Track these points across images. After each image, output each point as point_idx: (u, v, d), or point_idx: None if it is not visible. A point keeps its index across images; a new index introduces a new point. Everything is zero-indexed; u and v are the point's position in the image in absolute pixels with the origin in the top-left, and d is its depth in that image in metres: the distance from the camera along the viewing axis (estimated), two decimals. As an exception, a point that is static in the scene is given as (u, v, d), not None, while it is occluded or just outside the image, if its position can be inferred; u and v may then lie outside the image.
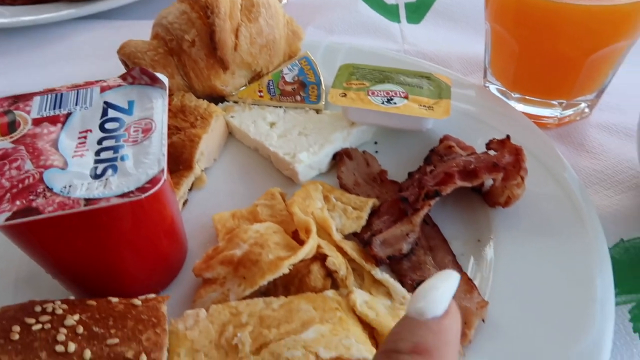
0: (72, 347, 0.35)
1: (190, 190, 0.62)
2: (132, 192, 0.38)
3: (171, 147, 0.60)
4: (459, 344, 0.31)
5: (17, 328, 0.36)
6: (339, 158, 0.63)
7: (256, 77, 0.72)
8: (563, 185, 0.57)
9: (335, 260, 0.51)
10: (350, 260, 0.52)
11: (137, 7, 0.99)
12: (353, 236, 0.56)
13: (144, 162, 0.41)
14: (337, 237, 0.53)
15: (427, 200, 0.54)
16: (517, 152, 0.55)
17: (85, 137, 0.44)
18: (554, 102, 0.70)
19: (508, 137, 0.57)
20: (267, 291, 0.51)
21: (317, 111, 0.69)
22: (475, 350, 0.45)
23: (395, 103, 0.63)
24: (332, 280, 0.51)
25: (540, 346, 0.44)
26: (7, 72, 0.87)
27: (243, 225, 0.56)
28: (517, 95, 0.72)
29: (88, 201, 0.38)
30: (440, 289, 0.31)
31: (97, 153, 0.42)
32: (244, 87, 0.71)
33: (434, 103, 0.63)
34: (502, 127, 0.65)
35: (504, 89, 0.73)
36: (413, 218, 0.53)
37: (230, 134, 0.70)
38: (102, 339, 0.36)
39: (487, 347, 0.45)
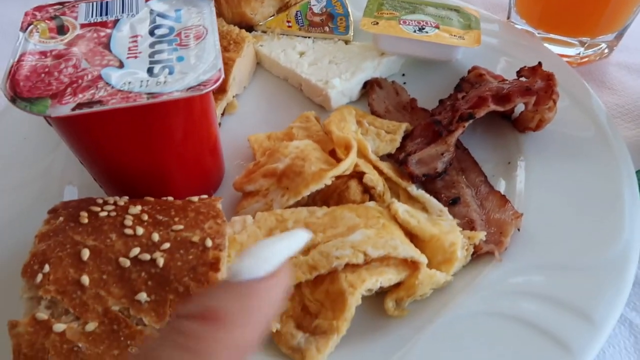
0: (140, 230, 0.37)
1: (222, 114, 0.63)
2: (192, 87, 0.39)
3: (205, 69, 0.61)
4: (275, 307, 0.28)
5: (84, 214, 0.38)
6: (370, 86, 0.64)
7: (284, 7, 0.72)
8: (589, 112, 0.58)
9: (373, 177, 0.52)
10: (385, 179, 0.54)
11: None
12: (387, 157, 0.57)
13: (199, 64, 0.42)
14: (372, 157, 0.55)
15: (461, 122, 0.55)
16: (549, 78, 0.56)
17: (136, 42, 0.44)
18: (576, 42, 0.72)
19: (540, 64, 0.58)
20: (304, 205, 0.52)
21: (346, 42, 0.69)
22: (511, 256, 0.47)
23: (427, 32, 0.64)
24: (370, 196, 0.53)
25: (572, 252, 0.46)
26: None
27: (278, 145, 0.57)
28: (541, 34, 0.72)
29: (150, 95, 0.38)
30: (269, 249, 0.28)
31: (151, 55, 0.43)
32: (271, 17, 0.71)
33: (464, 33, 0.64)
34: (528, 59, 0.66)
35: (528, 27, 0.74)
36: (447, 139, 0.55)
37: (259, 63, 0.70)
38: (167, 225, 0.38)
39: (522, 253, 0.47)
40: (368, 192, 0.53)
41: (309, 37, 0.70)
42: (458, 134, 0.55)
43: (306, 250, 0.45)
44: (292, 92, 0.67)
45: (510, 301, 0.44)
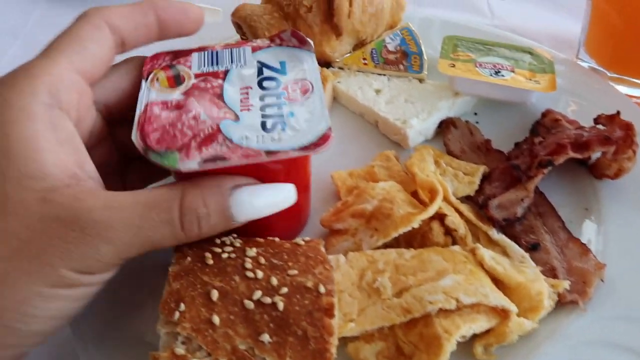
0: (259, 274, 0.40)
1: (303, 149, 0.66)
2: (307, 146, 0.42)
3: (291, 107, 0.64)
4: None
5: (209, 255, 0.41)
6: (445, 126, 0.67)
7: (359, 45, 0.75)
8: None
9: (455, 220, 0.55)
10: (466, 221, 0.56)
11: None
12: (465, 199, 0.59)
13: (310, 119, 0.45)
14: (453, 199, 0.57)
15: (540, 169, 0.57)
16: (628, 128, 0.58)
17: (247, 93, 0.47)
18: (647, 83, 0.73)
19: (618, 112, 0.60)
20: (389, 246, 0.55)
21: (420, 80, 0.72)
22: (595, 305, 0.49)
23: (503, 75, 0.66)
24: (452, 238, 0.55)
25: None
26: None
27: (360, 183, 0.60)
28: (612, 74, 0.74)
29: (268, 152, 0.41)
30: (262, 210, 0.42)
31: (262, 108, 0.46)
32: (348, 54, 0.74)
33: (539, 77, 0.66)
34: (600, 102, 0.67)
35: (597, 67, 0.75)
36: (527, 184, 0.57)
37: (335, 98, 0.73)
38: (283, 269, 0.41)
39: (606, 304, 0.49)
40: (450, 234, 0.55)
41: (384, 75, 0.73)
42: (538, 180, 0.57)
43: (399, 293, 0.47)
44: (368, 128, 0.70)
45: (594, 351, 0.46)
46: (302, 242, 0.45)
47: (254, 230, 0.49)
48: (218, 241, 0.43)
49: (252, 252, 0.42)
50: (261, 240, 0.45)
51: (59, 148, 0.36)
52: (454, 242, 0.55)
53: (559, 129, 0.62)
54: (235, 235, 0.45)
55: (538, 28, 0.86)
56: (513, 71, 0.67)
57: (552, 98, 0.68)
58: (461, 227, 0.55)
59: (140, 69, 0.49)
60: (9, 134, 0.34)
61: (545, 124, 0.64)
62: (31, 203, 0.34)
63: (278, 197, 0.43)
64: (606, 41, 0.72)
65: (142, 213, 0.36)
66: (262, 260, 0.41)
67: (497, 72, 0.66)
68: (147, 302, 0.46)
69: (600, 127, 0.61)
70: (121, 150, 0.50)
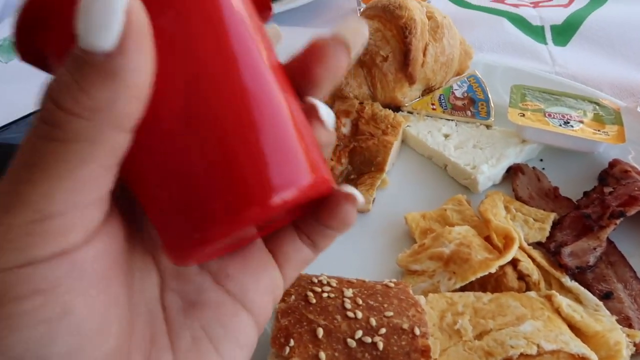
0: (359, 314, 0.44)
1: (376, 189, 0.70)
2: None
3: (367, 150, 0.69)
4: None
5: (311, 294, 0.45)
6: (514, 172, 0.70)
7: (427, 90, 0.79)
8: None
9: (528, 265, 0.57)
10: (537, 267, 0.59)
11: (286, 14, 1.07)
12: (536, 245, 0.62)
13: None
14: (525, 245, 0.60)
15: (612, 219, 0.59)
16: (700, 182, 0.60)
17: None
18: None
19: (689, 166, 0.62)
20: (464, 288, 0.58)
21: (487, 126, 0.75)
22: (672, 359, 0.50)
23: (572, 126, 0.68)
24: (525, 284, 0.57)
25: None
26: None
27: (433, 225, 0.64)
28: (677, 125, 0.75)
29: None
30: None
31: None
32: (417, 100, 0.78)
33: (608, 128, 0.68)
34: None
35: (661, 117, 0.77)
36: (600, 234, 0.59)
37: (403, 141, 0.77)
38: (379, 311, 0.45)
39: (683, 357, 0.50)
40: (523, 279, 0.58)
41: (452, 120, 0.76)
42: (610, 230, 0.59)
43: (479, 335, 0.50)
44: (437, 171, 0.73)
45: (673, 403, 0.47)
46: (392, 284, 0.48)
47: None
48: (316, 280, 0.47)
49: (349, 292, 0.46)
50: (353, 280, 0.48)
51: None
52: (527, 288, 0.57)
53: (629, 180, 0.64)
54: (328, 275, 0.49)
55: (599, 75, 0.88)
56: (582, 122, 0.69)
57: (619, 148, 0.70)
58: (535, 273, 0.57)
59: None
60: None
61: (615, 174, 0.66)
62: None
63: None
64: (672, 93, 0.74)
65: None
66: (360, 302, 0.45)
67: (566, 123, 0.69)
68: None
69: (670, 179, 0.62)
70: None
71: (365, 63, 0.74)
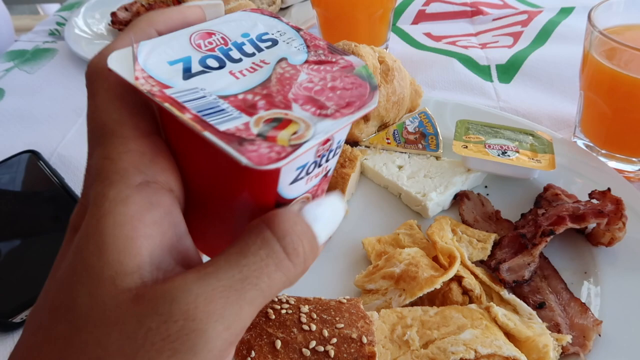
0: (313, 327, 0.49)
1: (336, 217, 0.77)
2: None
3: (327, 182, 0.75)
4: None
5: (271, 311, 0.51)
6: (460, 198, 0.77)
7: (383, 126, 0.87)
8: (655, 231, 0.69)
9: (471, 281, 0.64)
10: (480, 282, 0.65)
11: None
12: (479, 263, 0.69)
13: None
14: (469, 263, 0.67)
15: (543, 237, 0.66)
16: (618, 202, 0.68)
17: None
18: (636, 160, 0.83)
19: (609, 189, 0.70)
20: (414, 303, 0.64)
21: (437, 158, 0.83)
22: (594, 357, 0.57)
23: (509, 155, 0.77)
24: (469, 298, 0.64)
25: (648, 358, 0.56)
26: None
27: (387, 248, 0.70)
28: (605, 152, 0.84)
29: None
30: (333, 220, 0.33)
31: None
32: (373, 135, 0.86)
33: (540, 157, 0.77)
34: (594, 178, 0.78)
35: (592, 144, 0.86)
36: (533, 251, 0.66)
37: (362, 173, 0.84)
38: (331, 323, 0.50)
39: (604, 356, 0.57)
40: (467, 294, 0.64)
41: (405, 153, 0.84)
42: (542, 247, 0.66)
43: (425, 345, 0.56)
44: (392, 199, 0.80)
45: (596, 397, 0.53)
46: (345, 301, 0.54)
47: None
48: (276, 299, 0.53)
49: (305, 308, 0.52)
50: (310, 298, 0.54)
51: (154, 231, 0.30)
52: (471, 301, 0.64)
53: (559, 202, 0.72)
54: (287, 296, 0.54)
55: (539, 109, 0.98)
56: (517, 151, 0.78)
57: (553, 174, 0.78)
58: (477, 288, 0.64)
59: None
60: (102, 229, 0.29)
61: (547, 198, 0.74)
62: (128, 307, 0.28)
63: (336, 205, 0.34)
64: (598, 125, 0.84)
65: (238, 267, 0.29)
66: (314, 316, 0.51)
67: (504, 153, 0.77)
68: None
69: (594, 201, 0.70)
70: None
71: (325, 103, 0.82)
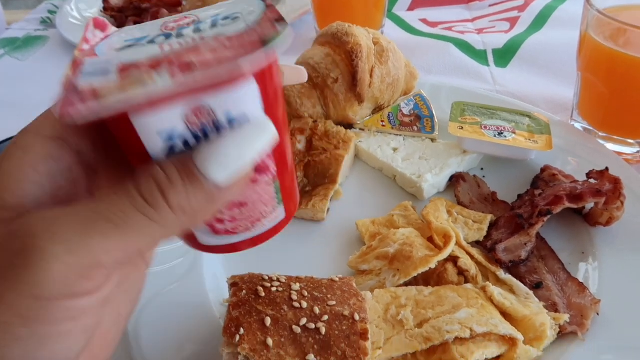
0: (304, 304, 0.48)
1: (330, 200, 0.75)
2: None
3: (320, 164, 0.74)
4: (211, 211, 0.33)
5: (261, 288, 0.49)
6: (456, 180, 0.76)
7: (378, 109, 0.86)
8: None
9: (467, 262, 0.63)
10: (476, 263, 0.64)
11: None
12: (475, 244, 0.67)
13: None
14: (464, 244, 0.65)
15: (540, 217, 0.65)
16: (616, 182, 0.67)
17: None
18: (633, 142, 0.82)
19: (607, 168, 0.69)
20: (408, 284, 0.63)
21: (432, 140, 0.82)
22: (592, 336, 0.55)
23: (505, 136, 0.75)
24: (464, 278, 0.63)
25: (647, 336, 0.55)
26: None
27: (381, 229, 0.69)
28: (603, 134, 0.83)
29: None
30: (239, 154, 0.31)
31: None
32: (368, 117, 0.85)
33: (537, 137, 0.76)
34: (592, 158, 0.76)
35: (590, 127, 0.85)
36: (530, 231, 0.65)
37: (356, 156, 0.83)
38: (323, 301, 0.49)
39: (602, 335, 0.55)
40: (462, 274, 0.63)
41: (400, 135, 0.83)
42: (538, 227, 0.65)
43: (419, 324, 0.55)
44: (387, 182, 0.79)
45: (593, 376, 0.52)
46: (337, 279, 0.53)
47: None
48: (267, 277, 0.52)
49: (296, 286, 0.50)
50: (302, 277, 0.53)
51: (44, 180, 0.33)
52: (467, 281, 0.62)
53: (556, 182, 0.71)
54: (278, 275, 0.53)
55: (535, 93, 0.97)
56: (514, 132, 0.76)
57: (550, 156, 0.77)
58: (472, 268, 0.62)
59: None
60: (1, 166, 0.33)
61: (544, 178, 0.73)
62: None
63: (251, 132, 0.32)
64: (595, 106, 0.82)
65: (92, 204, 0.31)
66: (306, 293, 0.50)
67: (500, 133, 0.76)
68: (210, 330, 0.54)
69: (592, 181, 0.69)
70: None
71: (318, 85, 0.80)
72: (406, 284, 0.61)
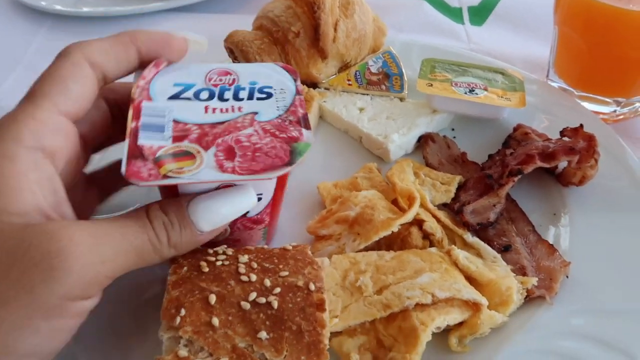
0: (253, 277, 0.44)
1: (291, 163, 0.71)
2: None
3: (280, 124, 0.69)
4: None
5: (204, 263, 0.45)
6: (424, 140, 0.72)
7: (344, 67, 0.81)
8: (626, 167, 0.65)
9: (432, 225, 0.59)
10: (442, 226, 0.60)
11: (216, 3, 1.09)
12: (443, 207, 0.64)
13: None
14: (431, 206, 0.61)
15: (510, 177, 0.61)
16: (590, 139, 0.63)
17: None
18: (611, 101, 0.78)
19: (581, 125, 0.65)
20: (370, 249, 0.59)
21: (401, 99, 0.77)
22: (561, 299, 0.53)
23: (476, 93, 0.71)
24: (430, 242, 0.59)
25: (617, 297, 0.52)
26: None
27: (344, 193, 0.65)
28: (579, 93, 0.79)
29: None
30: (222, 214, 0.43)
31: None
32: (333, 76, 0.80)
33: (510, 95, 0.71)
34: (567, 117, 0.73)
35: (566, 86, 0.81)
36: (499, 191, 0.61)
37: (321, 117, 0.78)
38: (274, 272, 0.45)
39: (571, 298, 0.53)
40: (428, 238, 0.59)
41: (367, 94, 0.78)
42: (508, 188, 0.61)
43: (379, 290, 0.51)
44: (353, 144, 0.75)
45: (561, 341, 0.49)
46: (290, 247, 0.49)
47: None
48: (211, 251, 0.47)
49: (244, 258, 0.46)
50: (251, 247, 0.48)
51: (37, 189, 0.37)
52: (432, 245, 0.59)
53: (528, 141, 0.67)
54: (226, 246, 0.48)
55: (512, 52, 0.92)
56: (486, 90, 0.72)
57: (524, 114, 0.73)
58: (438, 232, 0.59)
59: (107, 96, 0.48)
60: None
61: (516, 137, 0.69)
62: (11, 232, 0.35)
63: (236, 198, 0.43)
64: (573, 63, 0.78)
65: (120, 227, 0.39)
66: (255, 265, 0.45)
67: (471, 91, 0.71)
68: (149, 314, 0.49)
69: (566, 139, 0.66)
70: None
71: (279, 40, 0.75)
72: (368, 249, 0.58)
